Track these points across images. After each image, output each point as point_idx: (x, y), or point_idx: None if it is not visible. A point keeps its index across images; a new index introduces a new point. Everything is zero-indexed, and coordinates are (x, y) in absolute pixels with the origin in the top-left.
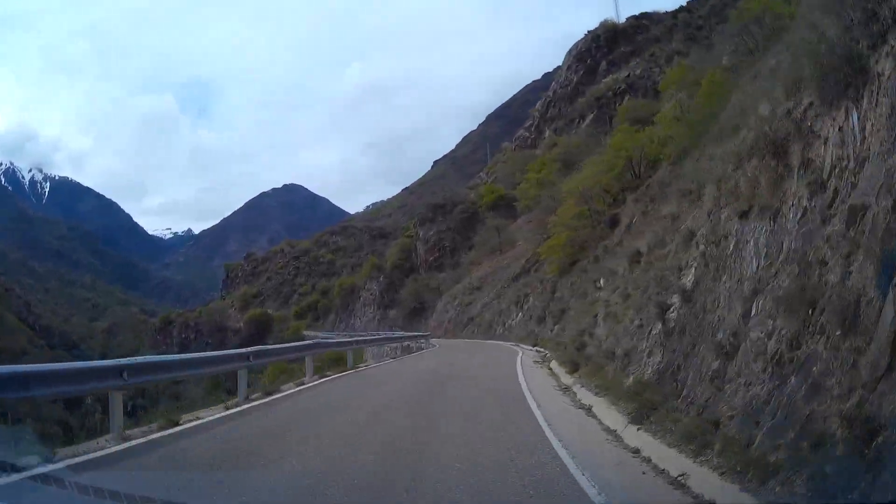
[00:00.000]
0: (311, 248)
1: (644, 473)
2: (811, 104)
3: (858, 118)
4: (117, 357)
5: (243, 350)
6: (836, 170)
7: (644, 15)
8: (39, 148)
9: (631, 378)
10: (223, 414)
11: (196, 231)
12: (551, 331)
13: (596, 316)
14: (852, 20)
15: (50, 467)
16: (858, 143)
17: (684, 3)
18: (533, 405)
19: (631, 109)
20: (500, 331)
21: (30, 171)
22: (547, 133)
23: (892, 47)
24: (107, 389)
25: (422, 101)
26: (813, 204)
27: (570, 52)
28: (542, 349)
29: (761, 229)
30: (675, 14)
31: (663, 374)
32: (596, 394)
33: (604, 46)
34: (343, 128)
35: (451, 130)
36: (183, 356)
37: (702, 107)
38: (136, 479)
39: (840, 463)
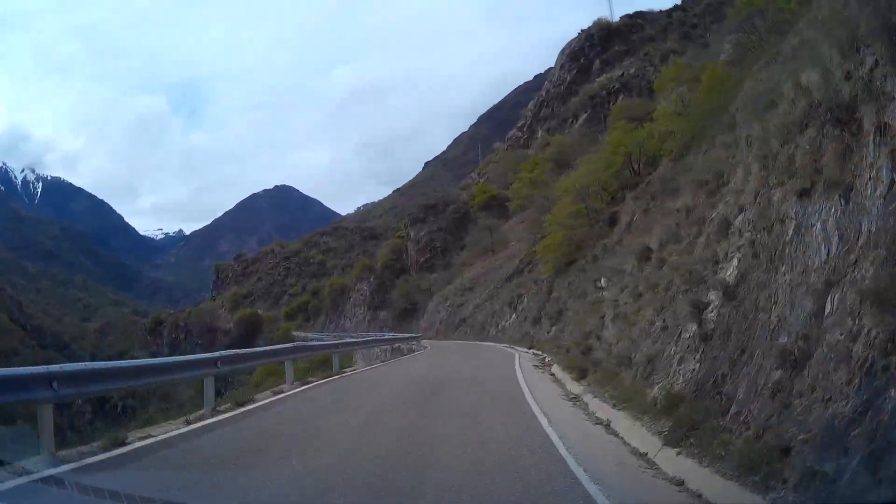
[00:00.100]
0: (302, 249)
1: None
2: (877, 63)
3: None
4: (107, 358)
5: (209, 355)
6: None
7: (638, 14)
8: (32, 148)
9: (656, 388)
10: (180, 431)
11: (187, 232)
12: (548, 332)
13: (603, 317)
14: None
15: None
16: None
17: (679, 2)
18: (543, 421)
19: (625, 109)
20: (494, 332)
21: (22, 171)
22: (539, 133)
23: None
24: (33, 402)
25: (413, 103)
26: None
27: (563, 51)
28: (539, 352)
29: (830, 209)
30: (669, 13)
31: (702, 386)
32: (613, 406)
33: (598, 45)
34: (334, 129)
35: (443, 132)
36: (133, 362)
37: (706, 99)
38: None
39: None
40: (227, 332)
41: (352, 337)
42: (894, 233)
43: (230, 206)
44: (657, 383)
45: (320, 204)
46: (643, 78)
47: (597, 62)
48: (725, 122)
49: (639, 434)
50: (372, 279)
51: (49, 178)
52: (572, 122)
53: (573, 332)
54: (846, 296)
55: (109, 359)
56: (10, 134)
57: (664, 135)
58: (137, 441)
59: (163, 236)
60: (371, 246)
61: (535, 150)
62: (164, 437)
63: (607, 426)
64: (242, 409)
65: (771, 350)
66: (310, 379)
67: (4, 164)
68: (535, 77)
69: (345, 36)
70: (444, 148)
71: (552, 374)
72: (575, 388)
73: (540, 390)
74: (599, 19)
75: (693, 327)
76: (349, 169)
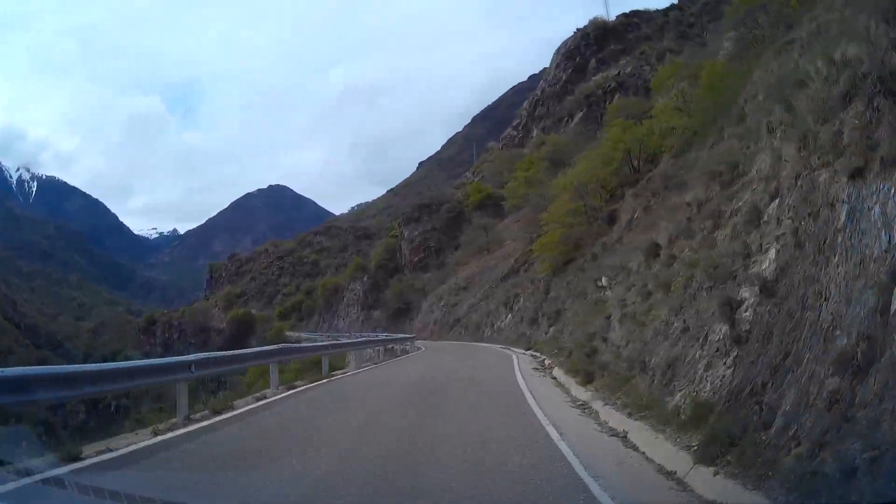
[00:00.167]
0: (296, 249)
1: None
2: None
3: None
4: (101, 357)
5: (182, 359)
6: None
7: (635, 13)
8: (27, 147)
9: (677, 396)
10: (145, 443)
11: (182, 231)
12: (546, 333)
13: (609, 317)
14: None
15: None
16: None
17: (675, 2)
18: (553, 432)
19: (622, 108)
20: (489, 333)
21: (17, 170)
22: (535, 132)
23: None
24: None
25: (407, 103)
26: None
27: (558, 49)
28: (537, 353)
29: (889, 190)
30: (666, 12)
31: (736, 395)
32: (629, 415)
33: (593, 44)
34: (328, 129)
35: (437, 132)
36: (94, 366)
37: (710, 94)
38: None
39: None
40: (221, 332)
41: (345, 337)
42: None
43: (224, 205)
44: (679, 391)
45: (314, 203)
46: (639, 77)
47: (593, 61)
48: (734, 115)
49: (663, 449)
50: (365, 279)
51: (44, 177)
52: (568, 121)
53: (575, 333)
54: None
55: (103, 358)
56: (6, 133)
57: (665, 131)
58: (94, 456)
59: (157, 236)
60: (365, 245)
61: (530, 149)
62: (124, 451)
63: (624, 438)
64: (219, 418)
65: (825, 353)
66: (297, 383)
67: (0, 163)
68: (530, 77)
69: (339, 36)
70: (439, 148)
71: (554, 378)
72: (581, 393)
73: (543, 396)
74: (595, 18)
75: (723, 328)
76: (343, 169)
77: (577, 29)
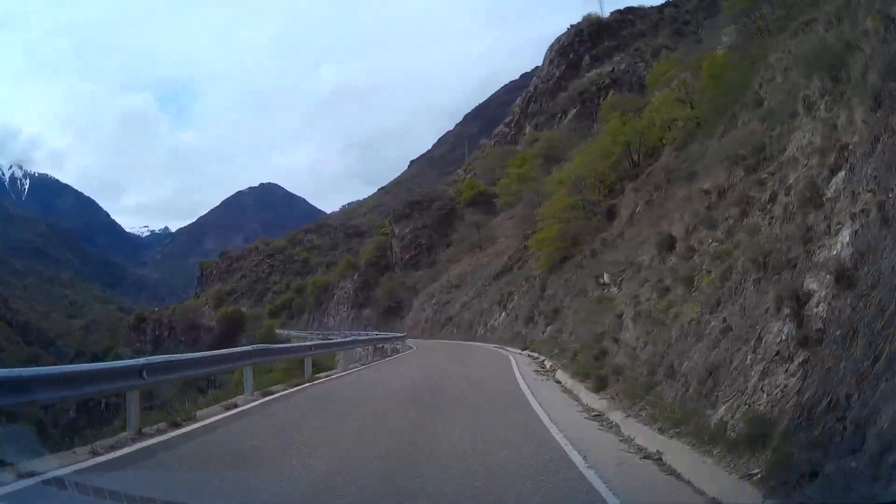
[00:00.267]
0: (286, 247)
1: None
2: None
3: None
4: (92, 355)
5: (132, 363)
6: None
7: (629, 9)
8: (20, 145)
9: (721, 409)
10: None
11: (173, 229)
12: (543, 332)
13: (621, 316)
14: None
15: None
16: None
17: None
18: (575, 456)
19: (616, 104)
20: (482, 332)
21: (10, 167)
22: (527, 129)
23: None
24: None
25: (399, 102)
26: None
27: (551, 46)
28: (535, 354)
29: None
30: (661, 9)
31: (808, 409)
32: (659, 430)
33: (587, 41)
34: (320, 128)
35: (428, 131)
36: (20, 371)
37: (718, 80)
38: None
39: None
40: (211, 330)
41: (335, 335)
42: None
43: (216, 203)
44: (723, 402)
45: (305, 202)
46: (634, 74)
47: (586, 58)
48: (749, 101)
49: (715, 477)
50: (356, 276)
51: (36, 174)
52: (561, 117)
53: (578, 333)
54: None
55: (94, 356)
56: (0, 131)
57: (666, 122)
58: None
59: (148, 234)
60: (355, 244)
61: (523, 145)
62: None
63: (659, 461)
64: (176, 433)
65: None
66: (273, 388)
67: None
68: (522, 76)
69: (331, 35)
70: (430, 147)
71: (558, 382)
72: (594, 401)
73: (551, 404)
74: (589, 14)
75: (784, 328)
76: (334, 167)
77: (571, 25)
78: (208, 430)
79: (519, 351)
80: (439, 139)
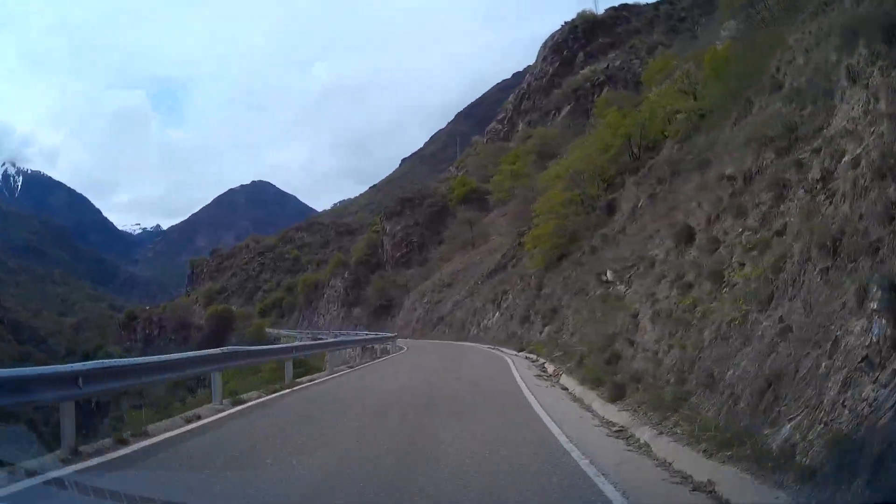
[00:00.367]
0: (277, 245)
1: None
2: None
3: None
4: (83, 352)
5: (66, 368)
6: None
7: (624, 6)
8: (14, 142)
9: (787, 428)
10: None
11: (165, 227)
12: (540, 333)
13: (636, 315)
14: None
15: None
16: None
17: None
18: (608, 489)
19: (611, 101)
20: (475, 331)
21: (3, 165)
22: (520, 126)
23: None
24: None
25: (390, 100)
26: None
27: (545, 43)
28: (533, 356)
29: None
30: (656, 6)
31: None
32: (706, 454)
33: (581, 37)
34: (312, 126)
35: (420, 130)
36: None
37: (726, 70)
38: None
39: None
40: (201, 329)
41: (325, 334)
42: None
43: (208, 201)
44: (788, 420)
45: (297, 200)
46: (629, 71)
47: (580, 54)
48: (766, 85)
49: None
50: (346, 275)
51: (29, 171)
52: (555, 114)
53: (582, 334)
54: None
55: (85, 354)
56: None
57: (669, 114)
58: None
59: (140, 231)
60: (347, 242)
61: (516, 142)
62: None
63: (713, 494)
64: (119, 453)
65: None
66: (245, 396)
67: None
68: (514, 75)
69: (323, 33)
70: (422, 145)
71: (565, 389)
72: (611, 413)
73: (562, 416)
74: (584, 11)
75: (873, 327)
76: (326, 165)
77: (565, 22)
78: (153, 452)
79: (515, 352)
80: (431, 137)
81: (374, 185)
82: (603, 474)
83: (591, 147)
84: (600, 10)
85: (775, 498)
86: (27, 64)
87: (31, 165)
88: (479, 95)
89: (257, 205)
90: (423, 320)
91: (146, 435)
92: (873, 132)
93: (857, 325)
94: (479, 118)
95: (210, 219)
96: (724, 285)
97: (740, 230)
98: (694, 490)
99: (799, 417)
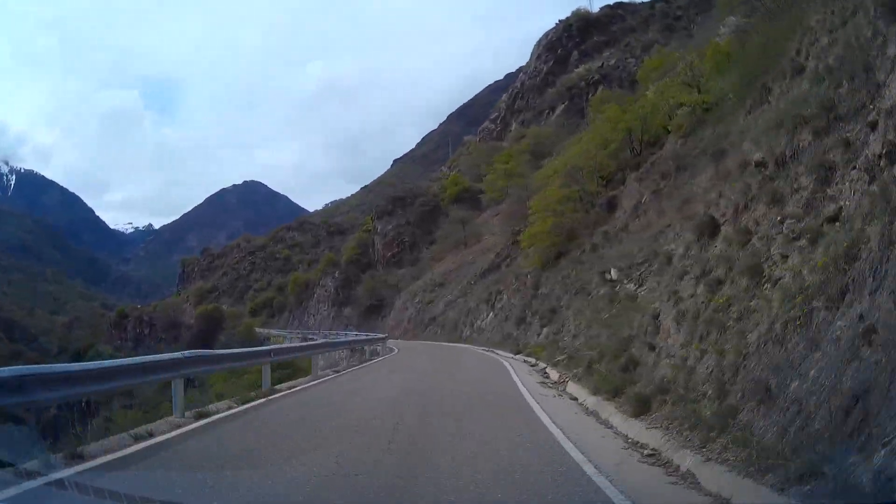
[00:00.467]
0: (268, 244)
1: None
2: None
3: None
4: (75, 351)
5: None
6: None
7: (619, 4)
8: (7, 141)
9: (882, 454)
10: None
11: (157, 226)
12: (538, 335)
13: (657, 317)
14: None
15: None
16: None
17: None
18: None
19: (605, 100)
20: (468, 332)
21: None
22: (513, 125)
23: None
24: None
25: (383, 101)
26: None
27: (539, 41)
28: (531, 359)
29: None
30: (652, 4)
31: None
32: (777, 488)
33: (576, 36)
34: (304, 126)
35: (412, 130)
36: None
37: (736, 59)
38: None
39: None
40: (191, 328)
41: (315, 334)
42: None
43: (199, 200)
44: (883, 444)
45: (288, 199)
46: (624, 69)
47: (575, 53)
48: (787, 69)
49: None
50: (337, 274)
51: (22, 170)
52: (549, 113)
53: (587, 335)
54: None
55: (76, 353)
56: None
57: (673, 108)
58: None
59: (132, 230)
60: (337, 241)
61: (509, 142)
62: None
63: None
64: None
65: None
66: (213, 409)
67: None
68: (506, 76)
69: (317, 34)
70: (414, 146)
71: (574, 399)
72: (637, 431)
73: (579, 434)
74: (578, 10)
75: None
76: (318, 166)
77: (560, 20)
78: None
79: (512, 355)
80: (423, 138)
81: (366, 186)
82: None
83: (590, 142)
84: (595, 9)
85: None
86: (21, 62)
87: (25, 164)
88: (472, 96)
89: (249, 205)
90: (414, 320)
91: (80, 458)
92: None
93: None
94: (470, 119)
95: (202, 218)
96: (764, 280)
97: (778, 219)
98: None
99: None
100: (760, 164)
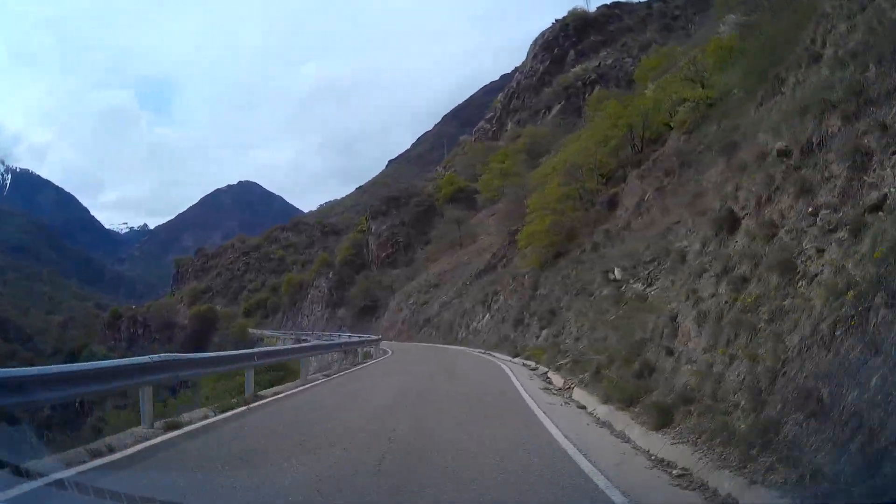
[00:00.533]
0: (262, 244)
1: None
2: None
3: None
4: (69, 351)
5: None
6: None
7: (616, 4)
8: (3, 140)
9: None
10: None
11: (151, 226)
12: (537, 337)
13: (675, 318)
14: None
15: None
16: None
17: None
18: None
19: (602, 99)
20: (464, 334)
21: None
22: (509, 125)
23: None
24: None
25: (378, 102)
26: None
27: (535, 41)
28: (531, 362)
29: None
30: (649, 4)
31: None
32: None
33: (573, 35)
34: (299, 127)
35: (407, 131)
36: None
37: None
38: None
39: None
40: (185, 328)
41: (308, 335)
42: None
43: (194, 200)
44: None
45: (283, 200)
46: (620, 69)
47: (571, 52)
48: (803, 57)
49: None
50: (331, 275)
51: (18, 170)
52: (545, 113)
53: (591, 338)
54: None
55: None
56: None
57: (674, 103)
58: None
59: (127, 230)
60: (332, 242)
61: (505, 141)
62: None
63: None
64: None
65: None
66: (186, 419)
67: None
68: (502, 77)
69: (313, 35)
70: (409, 146)
71: (583, 408)
72: (660, 446)
73: (596, 450)
74: (575, 9)
75: None
76: (313, 166)
77: (556, 20)
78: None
79: (510, 358)
80: (418, 139)
81: (361, 187)
82: None
83: (589, 140)
84: (592, 8)
85: None
86: (16, 61)
87: (20, 163)
88: (467, 97)
89: (244, 205)
90: (409, 322)
91: (32, 478)
92: None
93: None
94: (465, 119)
95: (197, 218)
96: (798, 277)
97: (809, 210)
98: None
99: None
100: (783, 154)
